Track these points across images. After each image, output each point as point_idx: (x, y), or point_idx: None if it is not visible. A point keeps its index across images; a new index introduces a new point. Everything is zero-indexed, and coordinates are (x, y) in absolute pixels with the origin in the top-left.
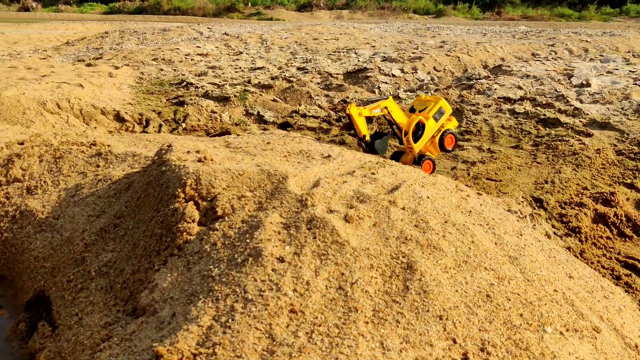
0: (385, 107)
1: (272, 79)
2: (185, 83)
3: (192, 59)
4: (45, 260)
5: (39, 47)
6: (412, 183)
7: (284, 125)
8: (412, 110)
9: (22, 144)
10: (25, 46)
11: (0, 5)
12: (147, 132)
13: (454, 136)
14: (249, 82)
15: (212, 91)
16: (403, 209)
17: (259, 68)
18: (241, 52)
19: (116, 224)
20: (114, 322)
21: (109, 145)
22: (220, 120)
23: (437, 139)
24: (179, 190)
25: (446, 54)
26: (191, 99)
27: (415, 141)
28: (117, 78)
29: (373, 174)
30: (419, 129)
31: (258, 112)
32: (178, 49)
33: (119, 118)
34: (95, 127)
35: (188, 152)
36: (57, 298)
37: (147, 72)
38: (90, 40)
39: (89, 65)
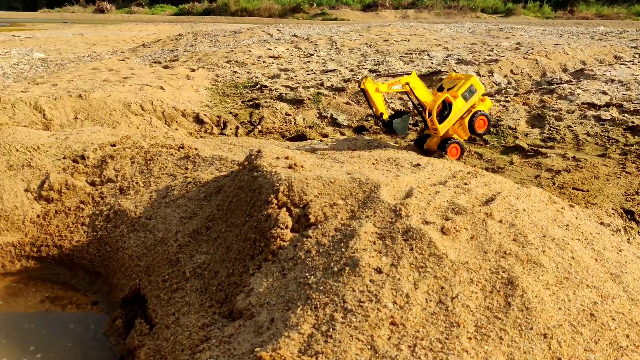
0: (407, 84)
1: (345, 81)
2: (259, 85)
3: (264, 61)
4: (140, 259)
5: (116, 49)
6: (507, 195)
7: (359, 129)
8: (440, 89)
9: (114, 145)
10: (103, 47)
11: (77, 7)
12: (225, 134)
13: (486, 118)
14: (322, 84)
15: (285, 94)
16: (500, 221)
17: (330, 70)
18: (312, 54)
19: (208, 227)
20: (211, 324)
21: (196, 149)
22: (294, 122)
23: (466, 120)
24: (272, 196)
25: (523, 57)
26: (266, 102)
27: (441, 122)
28: (194, 80)
29: (466, 184)
30: (445, 108)
31: (331, 115)
32: (250, 51)
33: (198, 120)
34: (176, 129)
35: (277, 157)
36: (152, 297)
37: (221, 75)
38: (164, 42)
39: (165, 67)
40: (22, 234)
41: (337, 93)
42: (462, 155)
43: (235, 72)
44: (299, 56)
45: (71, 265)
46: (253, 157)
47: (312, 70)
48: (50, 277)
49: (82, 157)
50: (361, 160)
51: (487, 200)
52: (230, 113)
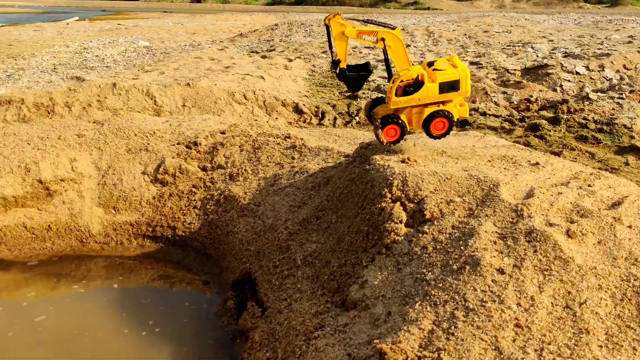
0: (383, 39)
1: None
2: None
3: (360, 52)
4: (250, 244)
5: (214, 38)
6: (635, 199)
7: (462, 123)
8: (429, 64)
9: (223, 133)
10: (202, 37)
11: None
12: (323, 125)
13: (449, 123)
14: None
15: (384, 85)
16: (630, 227)
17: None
18: (409, 45)
19: (318, 217)
20: (324, 312)
21: (302, 139)
22: None
23: (426, 113)
24: (385, 190)
25: (638, 51)
26: (363, 93)
27: (399, 96)
28: (291, 70)
29: (589, 186)
30: (415, 85)
31: None
32: None
33: (297, 110)
34: (276, 118)
35: (389, 151)
36: (263, 281)
37: (318, 65)
38: (261, 32)
39: (264, 57)
40: (139, 214)
41: None
42: (398, 141)
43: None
44: None
45: (184, 246)
46: (363, 149)
47: None
48: (164, 256)
49: (195, 144)
50: (475, 156)
51: (614, 203)
52: (328, 104)
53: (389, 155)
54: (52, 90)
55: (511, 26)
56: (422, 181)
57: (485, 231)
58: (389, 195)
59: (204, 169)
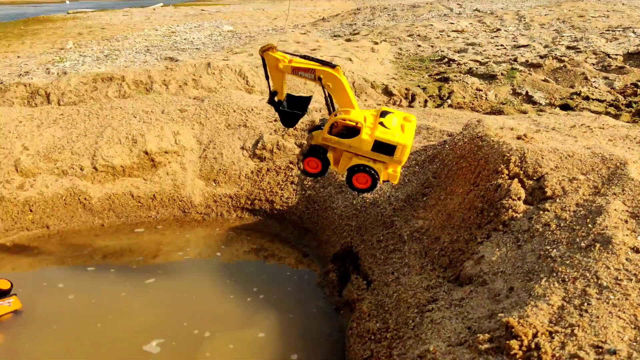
0: (320, 78)
1: (541, 57)
2: (446, 59)
3: (447, 35)
4: (350, 219)
5: (296, 23)
6: None
7: (564, 108)
8: (382, 114)
9: (319, 111)
10: (283, 22)
11: None
12: (413, 107)
13: (372, 182)
14: (515, 60)
15: (475, 68)
16: None
17: (523, 46)
18: (498, 29)
19: (424, 193)
20: (437, 286)
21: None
22: (486, 98)
23: (352, 163)
24: (502, 166)
25: None
26: (455, 76)
27: (332, 134)
28: (378, 53)
29: None
30: (351, 130)
31: (527, 92)
32: (432, 25)
33: (386, 92)
34: (365, 100)
35: (501, 128)
36: (366, 255)
37: (404, 48)
38: (343, 16)
39: (348, 40)
40: (238, 187)
41: (532, 69)
42: (316, 175)
43: (419, 45)
44: (485, 31)
45: (281, 219)
46: (473, 126)
47: (501, 45)
48: (262, 229)
49: None
50: (594, 136)
51: None
52: (418, 86)
53: (502, 131)
54: (150, 69)
55: (608, 11)
56: (542, 158)
57: (615, 209)
58: (506, 172)
59: (300, 145)
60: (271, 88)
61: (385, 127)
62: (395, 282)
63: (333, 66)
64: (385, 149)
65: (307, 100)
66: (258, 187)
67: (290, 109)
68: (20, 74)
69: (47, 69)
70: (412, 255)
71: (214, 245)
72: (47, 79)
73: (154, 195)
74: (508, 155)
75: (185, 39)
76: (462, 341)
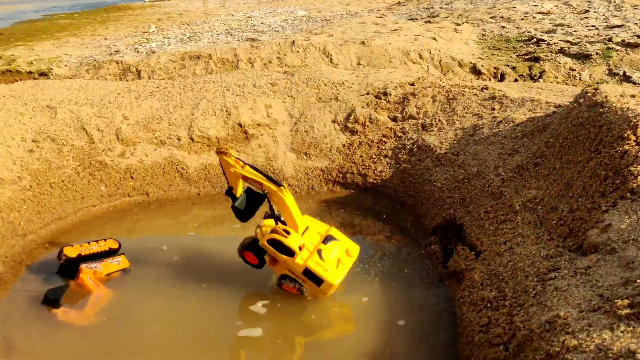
0: (265, 192)
1: (638, 36)
2: (535, 39)
3: (532, 17)
4: (451, 191)
5: (370, 7)
6: None
7: None
8: (325, 239)
9: (412, 85)
10: (357, 7)
11: None
12: (503, 83)
13: (299, 293)
14: (610, 40)
15: (567, 48)
16: None
17: (617, 26)
18: (587, 11)
19: (536, 163)
20: (557, 256)
21: (501, 90)
22: (580, 78)
23: (283, 272)
24: (628, 132)
25: None
26: (546, 55)
27: (271, 243)
28: (462, 34)
29: None
30: (286, 249)
31: (624, 73)
32: (514, 7)
33: (474, 70)
34: (450, 79)
35: (621, 95)
36: (473, 226)
37: (488, 29)
38: (419, 0)
39: (428, 22)
40: (330, 160)
41: (630, 49)
42: (253, 265)
43: (503, 27)
44: (572, 13)
45: (374, 193)
46: (590, 94)
47: (593, 26)
48: (354, 202)
49: (385, 94)
50: None
51: None
52: (507, 65)
53: (622, 98)
54: (236, 47)
55: None
56: None
57: None
58: (633, 138)
59: (394, 119)
60: (228, 185)
61: (321, 257)
62: (509, 252)
63: (279, 185)
64: (313, 278)
65: (262, 198)
66: (350, 160)
67: (248, 204)
68: (111, 53)
69: (135, 48)
70: (525, 225)
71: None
72: (137, 57)
73: None
74: (634, 120)
75: (262, 23)
76: (595, 308)
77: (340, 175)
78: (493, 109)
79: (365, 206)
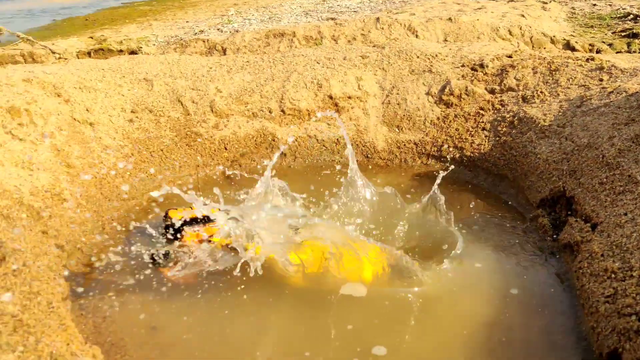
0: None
1: None
2: (631, 16)
3: None
4: (558, 163)
5: None
6: None
7: None
8: None
9: (510, 57)
10: None
11: None
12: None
13: None
14: None
15: None
16: None
17: None
18: None
19: None
20: None
21: (608, 60)
22: None
23: None
24: None
25: None
26: None
27: None
28: (550, 12)
29: None
30: None
31: None
32: None
33: (568, 47)
34: (549, 51)
35: None
36: (586, 198)
37: (578, 7)
38: None
39: (511, 0)
40: (423, 133)
41: None
42: None
43: (594, 5)
44: None
45: (472, 167)
46: None
47: None
48: (450, 176)
49: (481, 66)
50: None
51: None
52: (603, 42)
53: None
54: (320, 25)
55: None
56: None
57: None
58: None
59: (491, 91)
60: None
61: None
62: (631, 223)
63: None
64: None
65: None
66: (445, 133)
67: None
68: (196, 33)
69: (218, 29)
70: None
71: (400, 190)
72: (222, 36)
73: (337, 139)
74: None
75: (339, 5)
76: None
77: (435, 149)
78: (601, 79)
79: (462, 180)
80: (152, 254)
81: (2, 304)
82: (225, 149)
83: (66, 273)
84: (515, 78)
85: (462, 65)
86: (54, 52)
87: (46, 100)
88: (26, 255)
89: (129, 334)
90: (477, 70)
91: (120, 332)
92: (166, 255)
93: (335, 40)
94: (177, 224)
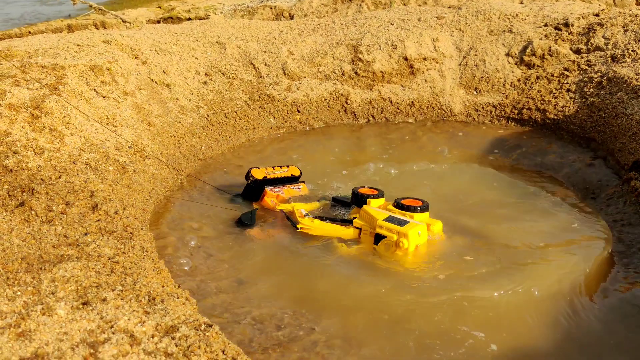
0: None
1: None
2: None
3: None
4: None
5: None
6: None
7: None
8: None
9: (597, 15)
10: None
11: None
12: None
13: None
14: None
15: None
16: None
17: None
18: None
19: None
20: None
21: None
22: None
23: None
24: None
25: None
26: None
27: None
28: None
29: None
30: None
31: None
32: None
33: None
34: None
35: None
36: None
37: None
38: None
39: None
40: (503, 96)
41: None
42: None
43: None
44: None
45: (555, 129)
46: None
47: None
48: (531, 139)
49: (566, 25)
50: None
51: None
52: None
53: None
54: None
55: None
56: None
57: None
58: None
59: (577, 51)
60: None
61: None
62: None
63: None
64: None
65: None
66: (526, 95)
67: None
68: (262, 0)
69: None
70: None
71: (480, 152)
72: (289, 2)
73: (412, 102)
74: None
75: None
76: None
77: (515, 112)
78: None
79: (545, 143)
80: (240, 217)
81: (99, 247)
82: (298, 111)
83: (150, 225)
84: (603, 37)
85: (545, 25)
86: (124, 21)
87: (126, 60)
88: (116, 204)
89: (215, 284)
90: (561, 30)
91: (209, 281)
92: (252, 215)
93: (404, 4)
94: (259, 183)
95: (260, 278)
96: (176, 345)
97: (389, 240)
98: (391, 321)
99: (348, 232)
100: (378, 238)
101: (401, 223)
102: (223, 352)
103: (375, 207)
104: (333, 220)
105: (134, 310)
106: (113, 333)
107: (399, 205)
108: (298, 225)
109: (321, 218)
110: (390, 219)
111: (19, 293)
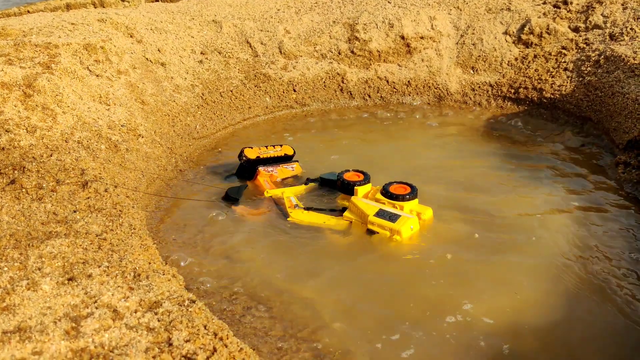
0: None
1: None
2: None
3: None
4: None
5: None
6: None
7: None
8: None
9: None
10: None
11: None
12: None
13: None
14: None
15: None
16: None
17: None
18: None
19: None
20: None
21: None
22: None
23: None
24: None
25: None
26: None
27: None
28: None
29: None
30: None
31: None
32: None
33: None
34: None
35: None
36: None
37: None
38: None
39: None
40: (500, 75)
41: None
42: None
43: None
44: None
45: (552, 108)
46: None
47: None
48: (527, 118)
49: (565, 2)
50: None
51: None
52: None
53: None
54: None
55: None
56: None
57: None
58: None
59: (575, 29)
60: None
61: None
62: None
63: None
64: None
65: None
66: (523, 74)
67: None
68: None
69: None
70: None
71: (478, 135)
72: None
73: (408, 81)
74: None
75: None
76: None
77: (512, 91)
78: None
79: (541, 122)
80: (227, 192)
81: (87, 224)
82: (294, 90)
83: (143, 203)
84: (602, 15)
85: (544, 3)
86: (123, 0)
87: (120, 39)
88: (106, 182)
89: (205, 261)
90: (559, 8)
91: (197, 257)
92: (239, 190)
93: None
94: (252, 163)
95: (249, 254)
96: (158, 320)
97: (381, 236)
98: (388, 285)
99: (339, 223)
100: (370, 232)
101: (392, 218)
102: (205, 327)
103: (364, 199)
104: (323, 210)
105: (118, 286)
106: (96, 308)
107: (387, 194)
108: (288, 218)
109: (311, 209)
110: (381, 214)
111: (5, 269)
